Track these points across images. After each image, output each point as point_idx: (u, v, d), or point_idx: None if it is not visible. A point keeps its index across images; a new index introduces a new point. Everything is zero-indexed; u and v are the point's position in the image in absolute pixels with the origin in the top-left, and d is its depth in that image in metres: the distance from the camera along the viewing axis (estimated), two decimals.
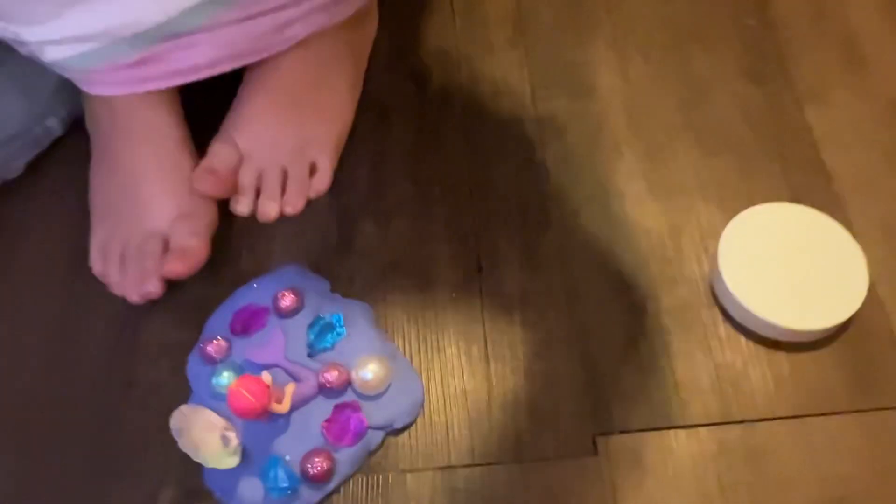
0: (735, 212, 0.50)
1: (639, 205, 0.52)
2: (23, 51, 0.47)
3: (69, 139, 0.56)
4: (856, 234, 0.49)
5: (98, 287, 0.50)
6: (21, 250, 0.53)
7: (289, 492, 0.42)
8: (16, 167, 0.54)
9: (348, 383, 0.45)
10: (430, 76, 0.59)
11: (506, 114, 0.57)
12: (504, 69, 0.59)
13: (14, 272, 0.52)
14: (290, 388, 0.43)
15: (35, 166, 0.55)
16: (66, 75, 0.48)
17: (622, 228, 0.52)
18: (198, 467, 0.43)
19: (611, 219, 0.52)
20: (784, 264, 0.48)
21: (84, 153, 0.54)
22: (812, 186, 0.53)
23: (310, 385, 0.44)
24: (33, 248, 0.53)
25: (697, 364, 0.47)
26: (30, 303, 0.51)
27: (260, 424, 0.43)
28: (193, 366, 0.46)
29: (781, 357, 0.47)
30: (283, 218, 0.52)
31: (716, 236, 0.49)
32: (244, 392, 0.40)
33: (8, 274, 0.52)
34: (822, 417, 0.45)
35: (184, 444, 0.41)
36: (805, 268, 0.48)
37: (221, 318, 0.48)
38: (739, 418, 0.45)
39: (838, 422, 0.44)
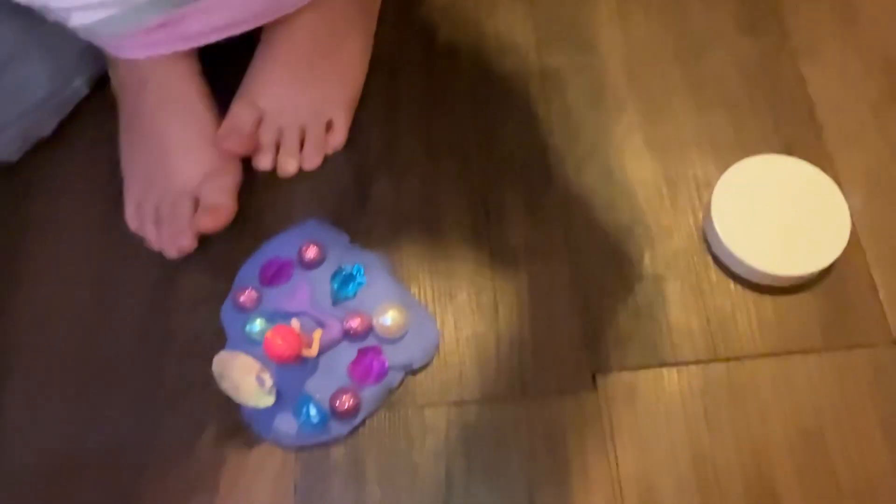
0: (729, 164, 0.53)
1: (637, 158, 0.56)
2: (50, 17, 0.49)
3: (95, 97, 0.58)
4: (842, 185, 0.52)
5: (134, 242, 0.54)
6: (58, 208, 0.56)
7: (320, 426, 0.47)
8: (48, 127, 0.57)
9: (370, 329, 0.49)
10: (436, 33, 0.61)
11: (510, 70, 0.59)
12: (509, 25, 0.61)
13: (52, 230, 0.55)
14: (317, 334, 0.48)
15: (65, 125, 0.58)
16: (93, 41, 0.50)
17: (621, 181, 0.55)
18: (236, 406, 0.47)
19: (610, 172, 0.55)
20: (772, 213, 0.51)
21: (110, 110, 0.57)
22: (803, 139, 0.56)
23: (335, 331, 0.48)
24: (69, 205, 0.56)
25: (689, 308, 0.51)
26: (70, 259, 0.54)
27: (292, 367, 0.47)
28: (227, 314, 0.50)
29: (767, 301, 0.51)
30: (302, 174, 0.56)
31: (710, 187, 0.52)
32: (279, 340, 0.44)
33: (46, 231, 0.55)
34: (800, 356, 0.49)
35: (225, 387, 0.46)
36: (792, 217, 0.51)
37: (251, 269, 0.52)
38: (725, 356, 0.49)
39: (815, 359, 0.49)
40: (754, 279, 0.51)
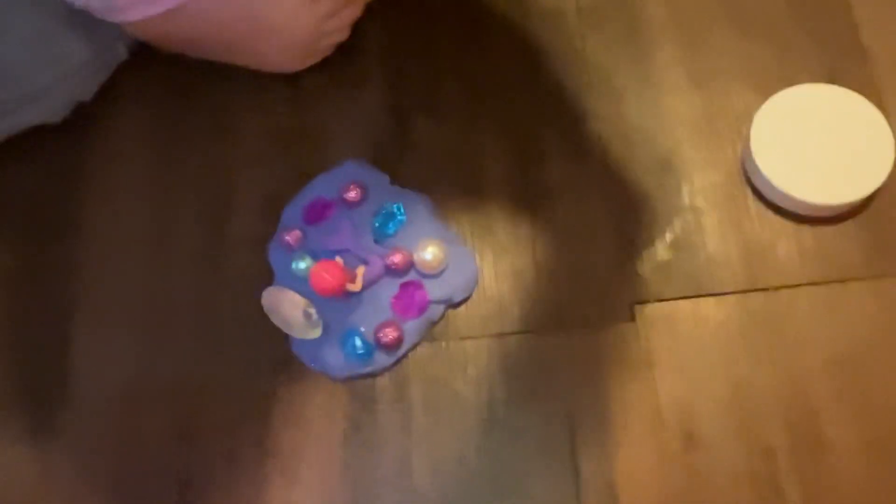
0: (770, 94, 0.52)
1: (675, 91, 0.55)
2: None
3: (135, 62, 0.59)
4: (888, 114, 0.51)
5: (184, 190, 0.55)
6: (108, 163, 0.57)
7: (365, 357, 0.49)
8: (89, 90, 0.57)
9: (411, 264, 0.50)
10: None
11: (547, 7, 0.59)
12: None
13: (105, 183, 0.57)
14: (360, 270, 0.49)
15: (106, 88, 0.58)
16: (114, 6, 0.50)
17: (659, 115, 0.55)
18: (286, 340, 0.50)
19: (648, 106, 0.55)
20: (814, 143, 0.51)
21: (148, 74, 0.58)
22: (848, 66, 0.54)
23: (377, 266, 0.50)
24: (119, 159, 0.57)
25: (728, 239, 0.51)
26: (125, 211, 0.56)
27: (337, 302, 0.49)
28: (274, 253, 0.52)
29: (806, 230, 0.51)
30: (343, 116, 0.57)
31: (750, 119, 0.52)
32: (325, 273, 0.46)
33: (99, 184, 0.57)
34: (839, 284, 0.49)
35: (276, 320, 0.48)
36: (833, 146, 0.51)
37: (295, 210, 0.53)
38: (764, 286, 0.49)
39: (854, 287, 0.49)
40: (794, 209, 0.51)
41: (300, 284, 0.49)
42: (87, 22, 0.55)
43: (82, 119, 0.58)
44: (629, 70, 0.56)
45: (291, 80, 0.57)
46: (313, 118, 0.57)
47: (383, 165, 0.55)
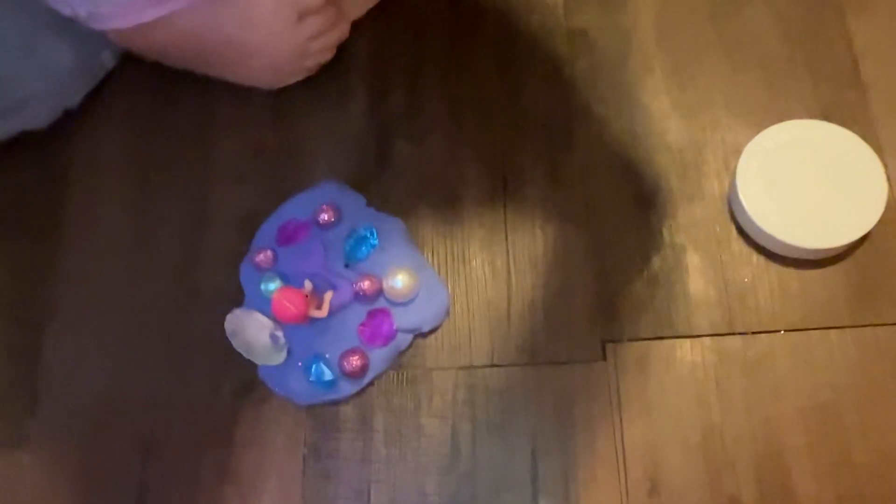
0: (761, 128, 0.51)
1: (663, 121, 0.54)
2: (63, 6, 0.49)
3: (121, 70, 0.59)
4: (883, 153, 0.49)
5: (164, 201, 0.55)
6: (91, 172, 0.57)
7: (329, 384, 0.48)
8: (75, 98, 0.57)
9: (380, 291, 0.49)
10: None
11: (537, 29, 0.58)
12: None
13: (86, 194, 0.56)
14: (328, 296, 0.49)
15: (92, 96, 0.58)
16: (101, 13, 0.50)
17: (645, 145, 0.53)
18: (253, 363, 0.49)
19: (634, 135, 0.53)
20: (803, 182, 0.49)
21: (134, 83, 0.58)
22: (844, 102, 0.52)
23: (346, 292, 0.49)
24: (102, 169, 0.57)
25: (708, 278, 0.49)
26: (105, 219, 0.56)
27: (303, 326, 0.48)
28: (245, 273, 0.52)
29: (791, 273, 0.49)
30: (323, 134, 0.56)
31: (738, 153, 0.50)
32: (285, 302, 0.45)
33: (82, 192, 0.57)
34: (821, 331, 0.47)
35: (237, 344, 0.47)
36: (824, 186, 0.49)
37: (268, 230, 0.53)
38: (742, 330, 0.48)
39: (837, 335, 0.47)
40: (779, 251, 0.49)
41: (269, 306, 0.48)
42: (73, 30, 0.55)
43: (66, 124, 0.58)
44: (616, 97, 0.55)
45: (274, 95, 0.57)
46: (294, 135, 0.56)
47: (361, 186, 0.54)
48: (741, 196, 0.49)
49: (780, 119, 0.51)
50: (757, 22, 0.55)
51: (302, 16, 0.52)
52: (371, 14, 0.59)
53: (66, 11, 0.51)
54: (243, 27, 0.52)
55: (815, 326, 0.47)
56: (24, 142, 0.56)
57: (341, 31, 0.56)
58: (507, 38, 0.58)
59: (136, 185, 0.57)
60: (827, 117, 0.51)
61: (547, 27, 0.57)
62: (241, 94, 0.57)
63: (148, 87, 0.59)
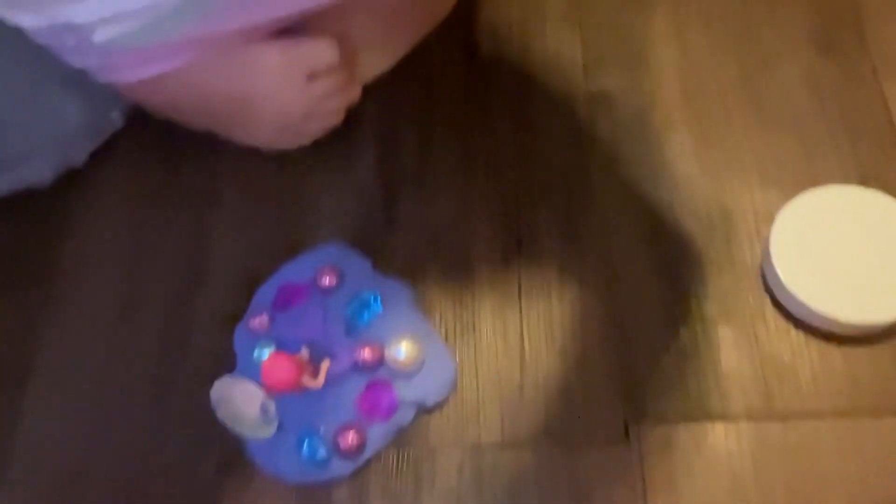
0: (794, 194, 0.47)
1: (689, 183, 0.50)
2: (74, 59, 0.48)
3: (130, 129, 0.57)
4: None
5: (160, 260, 0.53)
6: (88, 229, 0.55)
7: (321, 463, 0.43)
8: (80, 155, 0.56)
9: (382, 361, 0.46)
10: (480, 49, 0.58)
11: (556, 88, 0.55)
12: (557, 43, 0.57)
13: (81, 250, 0.54)
14: (325, 365, 0.45)
15: (98, 154, 0.56)
16: (110, 65, 0.49)
17: (670, 208, 0.50)
18: (239, 437, 0.45)
19: (658, 198, 0.50)
20: (843, 251, 0.45)
21: (141, 140, 0.56)
22: (884, 167, 0.49)
23: (344, 361, 0.45)
24: (99, 228, 0.55)
25: (741, 353, 0.45)
26: (97, 277, 0.53)
27: (296, 397, 0.44)
28: (240, 338, 0.48)
29: (834, 351, 0.44)
30: (330, 191, 0.53)
31: (771, 220, 0.47)
32: (276, 367, 0.42)
33: (77, 249, 0.54)
34: (871, 418, 0.42)
35: (222, 414, 0.43)
36: (866, 256, 0.45)
37: (266, 293, 0.49)
38: (783, 413, 0.43)
39: (890, 423, 0.42)
40: (820, 325, 0.45)
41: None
42: (84, 87, 0.54)
43: (68, 180, 0.56)
44: (637, 157, 0.52)
45: (281, 151, 0.55)
46: (298, 191, 0.54)
47: (367, 246, 0.51)
48: (776, 265, 0.45)
49: (815, 183, 0.47)
50: (788, 82, 0.53)
51: (311, 76, 0.50)
52: (383, 74, 0.57)
53: (77, 63, 0.50)
54: (250, 82, 0.50)
55: (865, 411, 0.42)
56: (21, 195, 0.54)
57: (352, 95, 0.54)
58: (524, 97, 0.55)
59: (132, 244, 0.54)
60: (865, 182, 0.48)
61: (566, 86, 0.55)
62: (246, 152, 0.55)
63: (154, 146, 0.57)
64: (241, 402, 0.44)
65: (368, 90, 0.56)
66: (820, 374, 0.44)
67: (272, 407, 0.44)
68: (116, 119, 0.57)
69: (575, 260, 0.49)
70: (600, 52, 0.56)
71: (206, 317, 0.51)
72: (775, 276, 0.45)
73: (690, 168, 0.51)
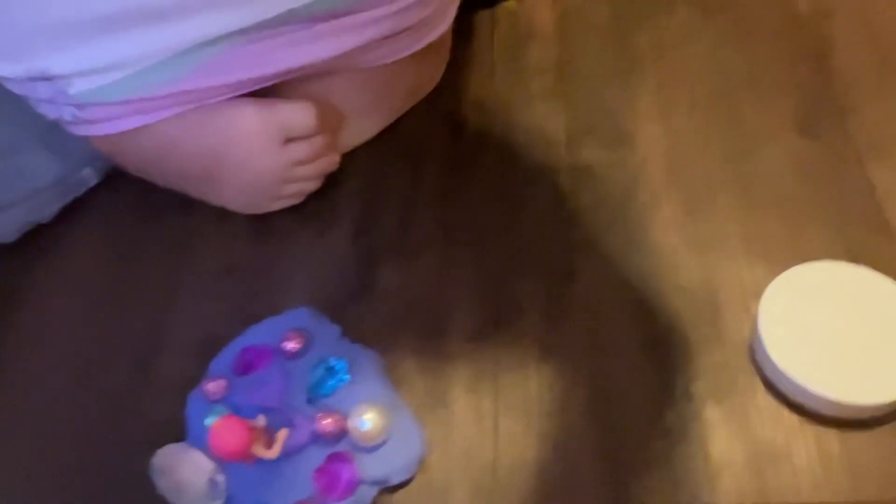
0: (783, 269, 0.45)
1: (674, 259, 0.49)
2: (48, 110, 0.48)
3: (101, 187, 0.57)
4: None
5: (121, 323, 0.50)
6: (50, 289, 0.53)
7: None
8: (49, 211, 0.55)
9: (344, 432, 0.42)
10: (464, 124, 0.58)
11: (539, 162, 0.55)
12: (541, 118, 0.57)
13: (42, 308, 0.52)
14: (282, 434, 0.41)
15: (67, 211, 0.55)
16: (85, 118, 0.48)
17: (654, 284, 0.48)
18: None
19: (642, 273, 0.48)
20: (836, 329, 0.43)
21: (116, 198, 0.55)
22: (872, 244, 0.48)
23: (304, 431, 0.42)
24: (62, 287, 0.53)
25: (732, 436, 0.42)
26: (53, 337, 0.51)
27: (248, 469, 0.41)
28: (193, 404, 0.45)
29: (831, 434, 0.41)
30: (304, 257, 0.52)
31: (759, 297, 0.45)
32: (224, 433, 0.38)
33: (37, 308, 0.52)
34: None
35: (164, 486, 0.39)
36: (860, 334, 0.43)
37: (226, 356, 0.47)
38: (778, 501, 0.39)
39: None
40: (814, 407, 0.42)
41: None
42: (57, 143, 0.54)
43: (32, 234, 0.54)
44: (622, 232, 0.50)
45: (257, 214, 0.53)
46: (270, 256, 0.52)
47: (340, 314, 0.48)
48: (765, 343, 0.43)
49: (803, 259, 0.46)
50: (773, 164, 0.52)
51: (288, 139, 0.50)
52: (365, 143, 0.57)
53: (52, 114, 0.49)
54: (224, 141, 0.49)
55: (866, 500, 0.39)
56: None
57: (330, 162, 0.53)
58: (507, 170, 0.55)
59: (93, 305, 0.52)
60: (854, 258, 0.46)
61: (550, 161, 0.55)
62: (221, 213, 0.54)
63: (126, 205, 0.56)
64: (188, 473, 0.40)
65: (351, 157, 0.56)
66: (816, 459, 0.41)
67: (222, 480, 0.40)
68: (89, 176, 0.56)
69: (556, 336, 0.47)
70: (584, 128, 0.56)
71: (163, 382, 0.48)
72: (764, 353, 0.43)
73: (675, 242, 0.49)
